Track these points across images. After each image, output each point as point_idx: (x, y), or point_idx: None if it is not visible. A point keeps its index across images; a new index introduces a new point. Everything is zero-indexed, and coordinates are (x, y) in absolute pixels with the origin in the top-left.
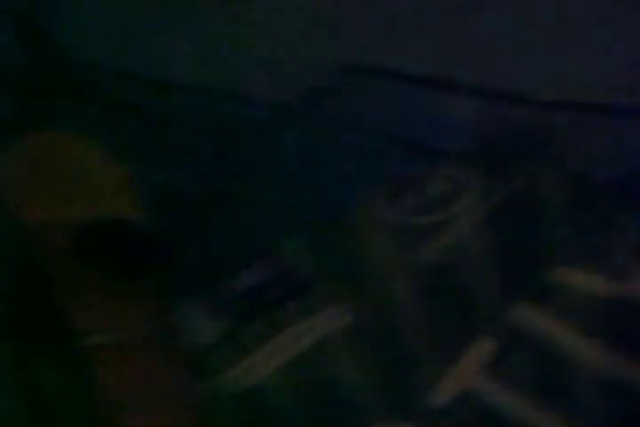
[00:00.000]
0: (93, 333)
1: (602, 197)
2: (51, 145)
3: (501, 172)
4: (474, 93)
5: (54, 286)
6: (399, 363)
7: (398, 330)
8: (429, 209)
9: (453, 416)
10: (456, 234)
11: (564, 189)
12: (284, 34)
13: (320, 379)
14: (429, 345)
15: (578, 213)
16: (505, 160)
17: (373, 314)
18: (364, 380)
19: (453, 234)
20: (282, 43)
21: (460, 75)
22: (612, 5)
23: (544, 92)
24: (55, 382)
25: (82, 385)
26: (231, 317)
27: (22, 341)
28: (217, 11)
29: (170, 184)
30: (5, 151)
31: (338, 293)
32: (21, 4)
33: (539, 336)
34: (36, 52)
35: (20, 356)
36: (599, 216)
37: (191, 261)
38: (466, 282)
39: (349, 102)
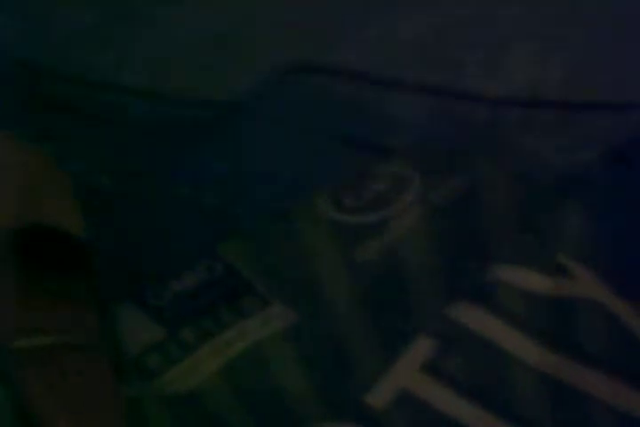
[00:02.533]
0: (19, 337)
1: (543, 196)
2: None
3: (444, 169)
4: (421, 91)
5: None
6: (338, 363)
7: (337, 330)
8: (370, 208)
9: (392, 416)
10: (396, 233)
11: (507, 187)
12: (231, 34)
13: (259, 381)
14: (369, 345)
15: (518, 212)
16: (449, 157)
17: (312, 315)
18: (303, 381)
19: (393, 233)
20: (229, 43)
21: (407, 73)
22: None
23: (491, 90)
24: None
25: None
26: (169, 319)
27: None
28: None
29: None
30: None
31: (277, 294)
32: None
33: (478, 335)
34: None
35: None
36: (539, 215)
37: (126, 264)
38: (405, 282)
39: (298, 100)
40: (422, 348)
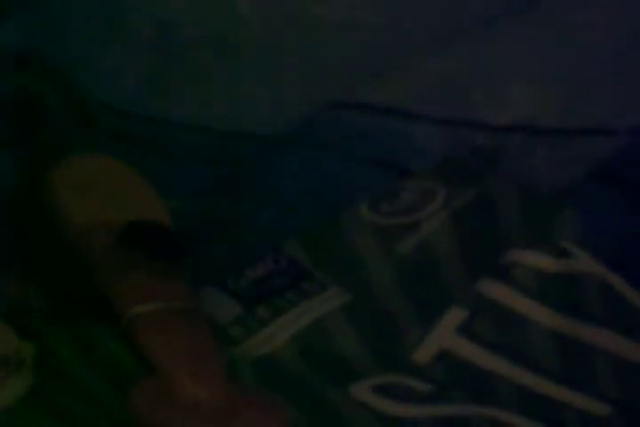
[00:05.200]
0: (136, 304)
1: (544, 203)
2: (89, 163)
3: (461, 183)
4: (439, 122)
5: (100, 273)
6: (387, 331)
7: (384, 306)
8: (404, 213)
9: (434, 369)
10: (427, 231)
11: (513, 196)
12: (277, 75)
13: (323, 346)
14: (411, 316)
15: (524, 213)
16: (465, 175)
17: (363, 295)
18: (359, 345)
19: (425, 231)
20: (276, 83)
21: (428, 107)
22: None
23: (497, 118)
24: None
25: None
26: (246, 300)
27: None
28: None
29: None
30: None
31: (332, 279)
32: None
33: (501, 304)
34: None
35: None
36: (542, 215)
37: (211, 255)
38: (438, 267)
39: (336, 132)
40: (456, 316)
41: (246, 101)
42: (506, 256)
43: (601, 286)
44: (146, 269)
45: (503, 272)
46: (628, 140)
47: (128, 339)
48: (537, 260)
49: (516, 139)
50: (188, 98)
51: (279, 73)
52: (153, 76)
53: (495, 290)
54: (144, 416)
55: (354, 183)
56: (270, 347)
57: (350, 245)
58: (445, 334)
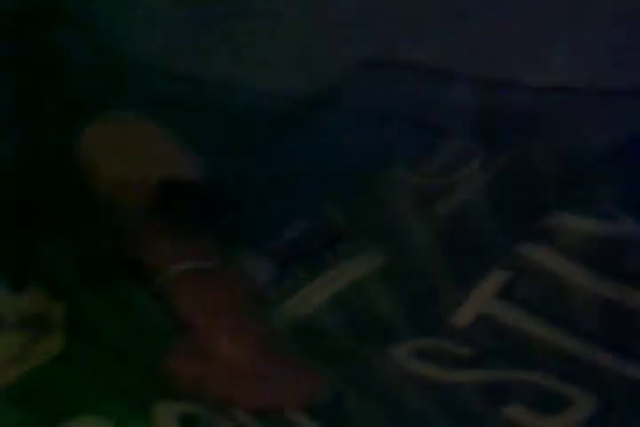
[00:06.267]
0: (171, 264)
1: (586, 164)
2: (120, 122)
3: (500, 145)
4: (477, 82)
5: (131, 234)
6: (426, 293)
7: (423, 268)
8: (444, 173)
9: (473, 332)
10: (467, 192)
11: (554, 158)
12: (311, 33)
13: (361, 308)
14: (450, 278)
15: (565, 175)
16: (503, 136)
17: (401, 256)
18: (397, 307)
19: (465, 192)
20: (311, 42)
21: (465, 67)
22: None
23: (537, 79)
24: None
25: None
26: (283, 260)
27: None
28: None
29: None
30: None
31: (370, 240)
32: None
33: (542, 267)
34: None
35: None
36: (582, 177)
37: (246, 217)
38: (479, 228)
39: (376, 92)
40: (496, 279)
41: (278, 59)
42: (548, 219)
43: None
44: (179, 229)
45: (546, 235)
46: None
47: (161, 299)
48: (580, 223)
49: (556, 100)
50: (218, 55)
51: (314, 30)
52: (182, 33)
53: (537, 253)
54: (179, 376)
55: (391, 144)
56: (308, 308)
57: (387, 205)
58: (485, 298)
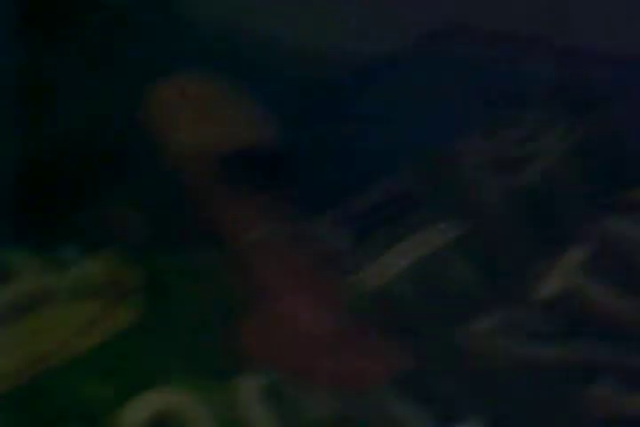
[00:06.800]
0: (246, 232)
1: None
2: (188, 84)
3: (581, 114)
4: (557, 50)
5: (202, 201)
6: (507, 265)
7: (502, 240)
8: (523, 142)
9: (556, 305)
10: (549, 163)
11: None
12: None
13: (439, 279)
14: (532, 250)
15: None
16: (584, 105)
17: (479, 227)
18: (478, 278)
19: (546, 163)
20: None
21: (545, 35)
22: None
23: (617, 48)
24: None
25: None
26: (359, 228)
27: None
28: None
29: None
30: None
31: (447, 210)
32: None
33: (627, 240)
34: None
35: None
36: None
37: (320, 184)
38: (562, 199)
39: (449, 59)
40: (580, 252)
41: (350, 21)
42: (633, 191)
43: None
44: (254, 195)
45: (631, 207)
46: None
47: (236, 265)
48: None
49: (638, 68)
50: (288, 15)
51: None
52: None
53: (622, 225)
54: (256, 347)
55: (467, 112)
56: (385, 278)
57: (466, 175)
58: (569, 272)
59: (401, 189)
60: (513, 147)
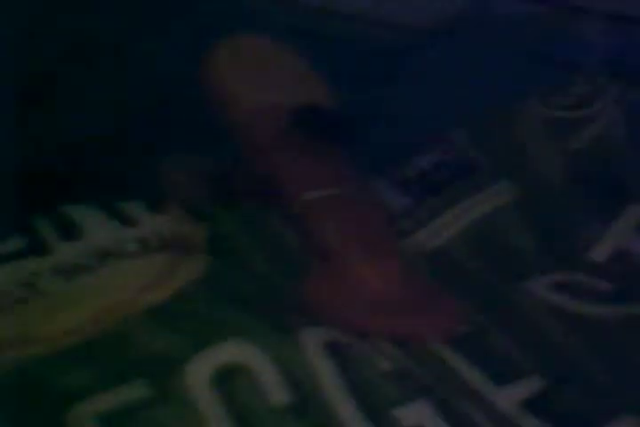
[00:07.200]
0: (309, 189)
1: None
2: (249, 45)
3: (633, 80)
4: (610, 17)
5: (263, 159)
6: (561, 227)
7: (556, 202)
8: (577, 106)
9: (611, 267)
10: (601, 126)
11: None
12: None
13: (493, 241)
14: (586, 212)
15: None
16: (636, 71)
17: (534, 190)
18: (532, 240)
19: (599, 126)
20: None
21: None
22: None
23: None
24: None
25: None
26: (415, 191)
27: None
28: None
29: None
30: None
31: (502, 173)
32: None
33: None
34: None
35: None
36: None
37: (376, 145)
38: (615, 162)
39: (501, 25)
40: (636, 213)
41: None
42: None
43: None
44: (315, 154)
45: None
46: None
47: (298, 224)
48: None
49: None
50: None
51: None
52: None
53: None
54: (319, 303)
55: (523, 78)
56: (441, 239)
57: (521, 138)
58: (624, 232)
59: (457, 152)
60: (568, 110)
